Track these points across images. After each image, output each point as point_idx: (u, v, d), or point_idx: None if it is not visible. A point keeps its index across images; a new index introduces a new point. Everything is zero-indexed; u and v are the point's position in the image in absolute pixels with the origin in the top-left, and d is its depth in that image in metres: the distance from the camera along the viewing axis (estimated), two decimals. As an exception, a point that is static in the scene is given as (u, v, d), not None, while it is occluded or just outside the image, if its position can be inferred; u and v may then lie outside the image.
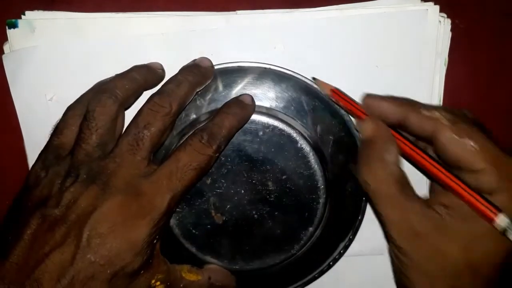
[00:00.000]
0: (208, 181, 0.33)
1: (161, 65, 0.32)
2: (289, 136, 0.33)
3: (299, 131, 0.33)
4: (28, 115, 0.34)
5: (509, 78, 0.36)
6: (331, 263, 0.35)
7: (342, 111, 0.33)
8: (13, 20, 0.32)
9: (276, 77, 0.33)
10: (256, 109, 0.32)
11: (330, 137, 0.34)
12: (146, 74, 0.31)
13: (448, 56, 0.35)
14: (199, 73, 0.31)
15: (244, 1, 0.34)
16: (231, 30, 0.34)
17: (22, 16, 0.33)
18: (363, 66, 0.34)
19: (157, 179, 0.28)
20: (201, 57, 0.32)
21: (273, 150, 0.33)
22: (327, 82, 0.33)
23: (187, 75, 0.31)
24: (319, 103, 0.34)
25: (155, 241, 0.28)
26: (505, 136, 0.37)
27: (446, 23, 0.34)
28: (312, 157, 0.33)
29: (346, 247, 0.35)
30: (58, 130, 0.30)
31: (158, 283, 0.29)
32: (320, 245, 0.35)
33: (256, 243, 0.34)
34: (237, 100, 0.32)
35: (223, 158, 0.33)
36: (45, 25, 0.33)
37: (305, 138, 0.33)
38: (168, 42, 0.33)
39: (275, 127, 0.33)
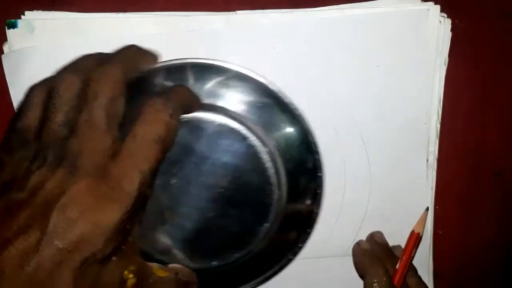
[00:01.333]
0: (160, 182, 0.32)
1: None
2: (239, 133, 0.33)
3: (249, 127, 0.33)
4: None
5: (509, 77, 0.37)
6: (290, 257, 0.36)
7: (292, 106, 0.34)
8: (13, 20, 0.32)
9: (235, 76, 0.33)
10: (208, 107, 0.32)
11: (282, 132, 0.34)
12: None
13: (448, 56, 0.35)
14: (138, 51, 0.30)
15: (244, 1, 0.34)
16: (231, 30, 0.33)
17: (22, 16, 0.32)
18: (363, 66, 0.34)
19: (121, 159, 0.26)
20: None
21: (224, 147, 0.33)
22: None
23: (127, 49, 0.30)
24: (270, 100, 0.33)
25: (128, 226, 0.27)
26: (505, 136, 0.37)
27: (447, 23, 0.34)
28: (264, 153, 0.33)
29: (304, 240, 0.36)
30: (21, 112, 0.28)
31: (131, 275, 0.27)
32: (278, 240, 0.35)
33: (213, 241, 0.35)
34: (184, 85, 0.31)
35: (173, 157, 0.32)
36: (44, 25, 0.33)
37: (256, 134, 0.33)
38: (168, 42, 0.33)
39: (225, 125, 0.33)
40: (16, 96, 0.34)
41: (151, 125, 0.27)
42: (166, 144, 0.27)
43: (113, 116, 0.27)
